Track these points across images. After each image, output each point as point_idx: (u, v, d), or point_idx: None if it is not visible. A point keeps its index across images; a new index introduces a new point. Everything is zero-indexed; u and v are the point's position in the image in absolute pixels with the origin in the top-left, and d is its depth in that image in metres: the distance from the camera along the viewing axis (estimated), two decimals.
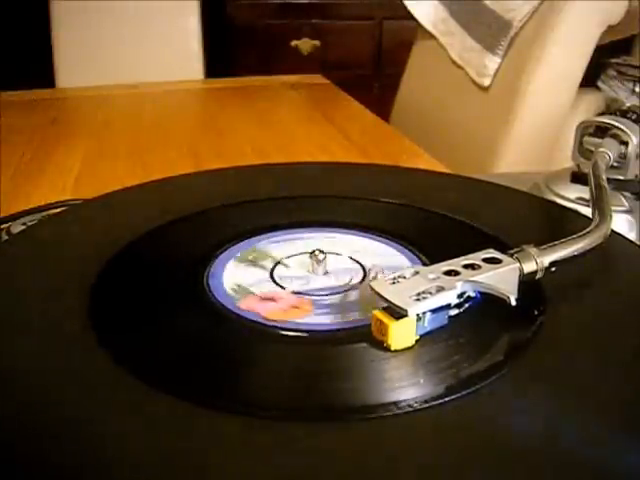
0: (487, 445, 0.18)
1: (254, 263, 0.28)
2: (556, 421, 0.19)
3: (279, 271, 0.27)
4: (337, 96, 0.97)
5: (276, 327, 0.23)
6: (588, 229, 0.26)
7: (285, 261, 0.28)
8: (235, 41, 1.73)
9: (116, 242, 0.29)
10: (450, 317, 0.22)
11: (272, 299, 0.25)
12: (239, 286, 0.26)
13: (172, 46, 1.19)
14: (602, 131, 0.38)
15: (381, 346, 0.21)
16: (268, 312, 0.24)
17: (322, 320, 0.24)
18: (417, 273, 0.23)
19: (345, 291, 0.26)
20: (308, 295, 0.26)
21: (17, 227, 0.37)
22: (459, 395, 0.19)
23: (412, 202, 0.34)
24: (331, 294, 0.26)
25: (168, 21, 1.20)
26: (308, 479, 0.17)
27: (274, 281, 0.27)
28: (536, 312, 0.24)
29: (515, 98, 0.86)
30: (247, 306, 0.24)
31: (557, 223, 0.33)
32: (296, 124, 0.83)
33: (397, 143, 0.73)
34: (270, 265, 0.28)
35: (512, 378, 0.20)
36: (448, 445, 0.18)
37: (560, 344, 0.22)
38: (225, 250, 0.29)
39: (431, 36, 1.03)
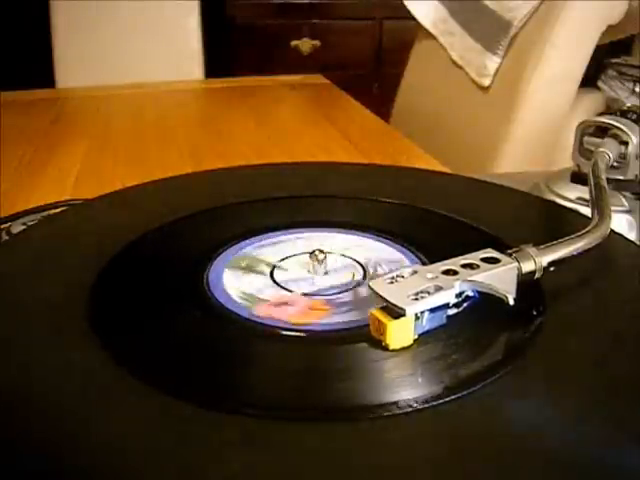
0: (487, 445, 0.18)
1: (250, 269, 0.27)
2: (556, 421, 0.19)
3: (279, 275, 0.27)
4: (337, 96, 0.97)
5: (313, 331, 0.23)
6: (587, 229, 0.26)
7: (281, 264, 0.28)
8: (235, 41, 1.73)
9: (116, 242, 0.29)
10: (449, 317, 0.22)
11: (286, 303, 0.25)
12: (246, 294, 0.25)
13: (172, 46, 1.19)
14: (602, 131, 0.38)
15: (379, 346, 0.21)
16: (290, 316, 0.24)
17: (346, 318, 0.24)
18: (415, 272, 0.23)
19: (354, 287, 0.26)
20: (319, 295, 0.25)
21: (17, 227, 0.37)
22: (459, 395, 0.19)
23: (411, 202, 0.34)
24: (341, 292, 0.26)
25: (168, 21, 1.20)
26: (308, 479, 0.17)
27: (279, 285, 0.26)
28: (535, 312, 0.24)
29: (515, 98, 0.86)
30: (264, 313, 0.24)
31: (557, 223, 0.33)
32: (296, 124, 0.83)
33: (397, 143, 0.73)
34: (267, 270, 0.27)
35: (512, 378, 0.20)
36: (448, 445, 0.18)
37: (559, 344, 0.22)
38: (214, 259, 0.28)
39: (431, 36, 1.03)
